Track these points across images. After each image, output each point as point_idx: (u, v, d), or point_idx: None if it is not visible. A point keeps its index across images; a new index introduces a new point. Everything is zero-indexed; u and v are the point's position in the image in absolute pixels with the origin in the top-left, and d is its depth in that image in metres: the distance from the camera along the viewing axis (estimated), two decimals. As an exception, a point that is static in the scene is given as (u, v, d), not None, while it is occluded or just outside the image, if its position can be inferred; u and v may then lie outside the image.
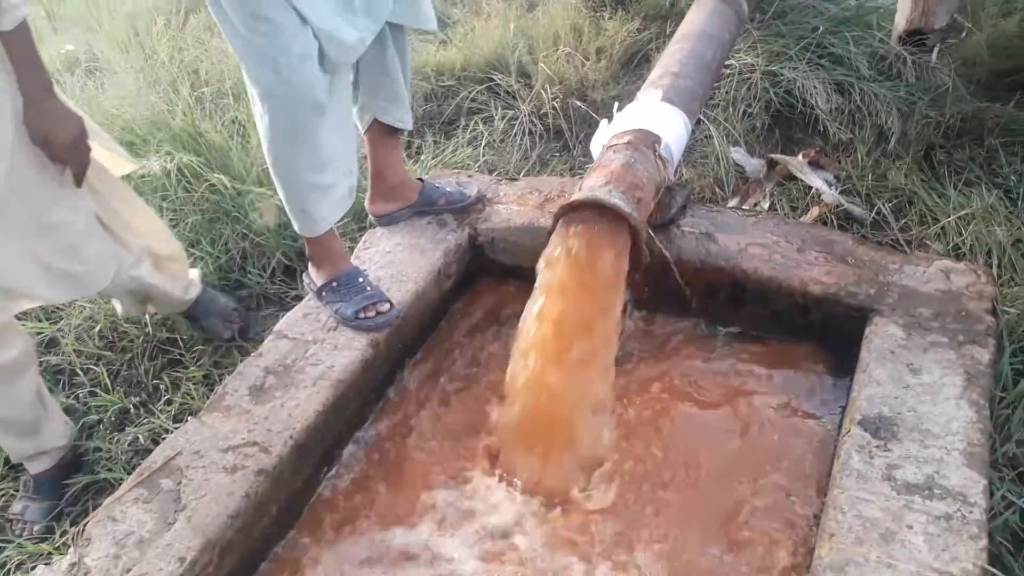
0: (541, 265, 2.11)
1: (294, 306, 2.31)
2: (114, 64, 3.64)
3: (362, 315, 2.16)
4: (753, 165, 2.92)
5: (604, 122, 2.44)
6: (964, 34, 3.31)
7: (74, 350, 2.48)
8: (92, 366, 2.46)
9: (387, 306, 2.18)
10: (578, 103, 3.30)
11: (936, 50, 3.15)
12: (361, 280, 2.22)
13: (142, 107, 3.22)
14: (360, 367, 2.07)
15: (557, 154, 3.21)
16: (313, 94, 1.94)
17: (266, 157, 2.08)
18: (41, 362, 2.47)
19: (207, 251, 2.74)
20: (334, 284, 2.21)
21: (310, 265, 2.29)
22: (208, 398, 2.04)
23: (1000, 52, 3.12)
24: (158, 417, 2.27)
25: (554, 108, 3.28)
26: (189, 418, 1.98)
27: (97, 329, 2.53)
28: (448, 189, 2.60)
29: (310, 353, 2.09)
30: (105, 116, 3.24)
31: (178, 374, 2.42)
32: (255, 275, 2.72)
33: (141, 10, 4.38)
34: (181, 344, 2.50)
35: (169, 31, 4.03)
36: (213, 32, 4.02)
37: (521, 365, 2.06)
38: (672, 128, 2.34)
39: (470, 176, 2.74)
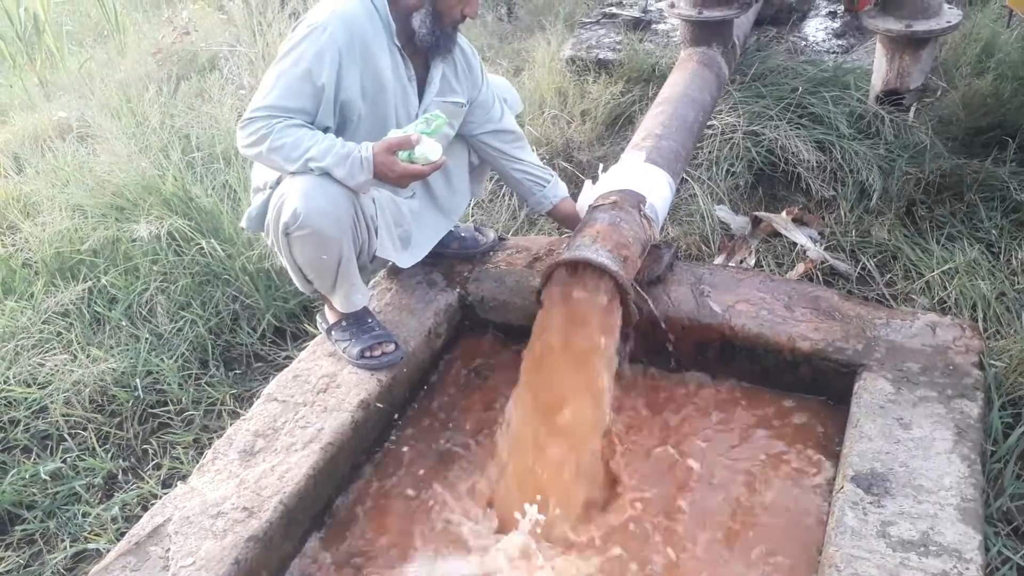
0: (533, 324, 2.13)
1: (285, 367, 2.30)
2: (106, 130, 3.68)
3: (367, 354, 2.21)
4: (738, 222, 2.97)
5: (588, 182, 2.48)
6: (939, 93, 3.40)
7: (62, 415, 2.46)
8: (80, 431, 2.44)
9: (392, 347, 2.24)
10: (564, 163, 3.35)
11: (913, 109, 3.23)
12: (370, 321, 2.28)
13: (133, 172, 3.25)
14: (350, 429, 2.06)
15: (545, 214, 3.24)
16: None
17: (304, 264, 2.12)
18: (28, 428, 2.45)
19: (197, 313, 2.74)
20: (343, 323, 2.27)
21: (325, 306, 2.34)
22: (197, 462, 2.02)
23: (975, 110, 3.21)
24: (147, 482, 2.25)
25: (541, 168, 3.33)
26: (178, 483, 1.96)
27: (86, 393, 2.52)
28: (463, 234, 2.65)
29: (300, 416, 2.08)
30: (96, 181, 3.27)
31: (167, 438, 2.41)
32: (246, 336, 2.71)
33: (133, 78, 4.44)
34: (171, 407, 2.49)
35: (160, 98, 4.09)
36: (204, 98, 4.09)
37: (515, 423, 2.06)
38: (656, 188, 2.38)
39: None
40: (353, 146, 2.00)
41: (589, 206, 2.35)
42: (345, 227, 2.04)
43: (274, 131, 1.97)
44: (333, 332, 2.28)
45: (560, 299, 2.14)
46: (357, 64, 2.05)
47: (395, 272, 2.57)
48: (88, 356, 2.61)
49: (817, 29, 4.20)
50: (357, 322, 2.25)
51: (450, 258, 2.61)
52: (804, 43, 4.04)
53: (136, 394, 2.52)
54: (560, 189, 2.54)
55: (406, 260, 2.39)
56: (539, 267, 2.52)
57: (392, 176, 2.02)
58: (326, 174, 1.98)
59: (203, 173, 3.36)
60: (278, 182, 2.08)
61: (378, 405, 2.15)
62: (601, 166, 2.56)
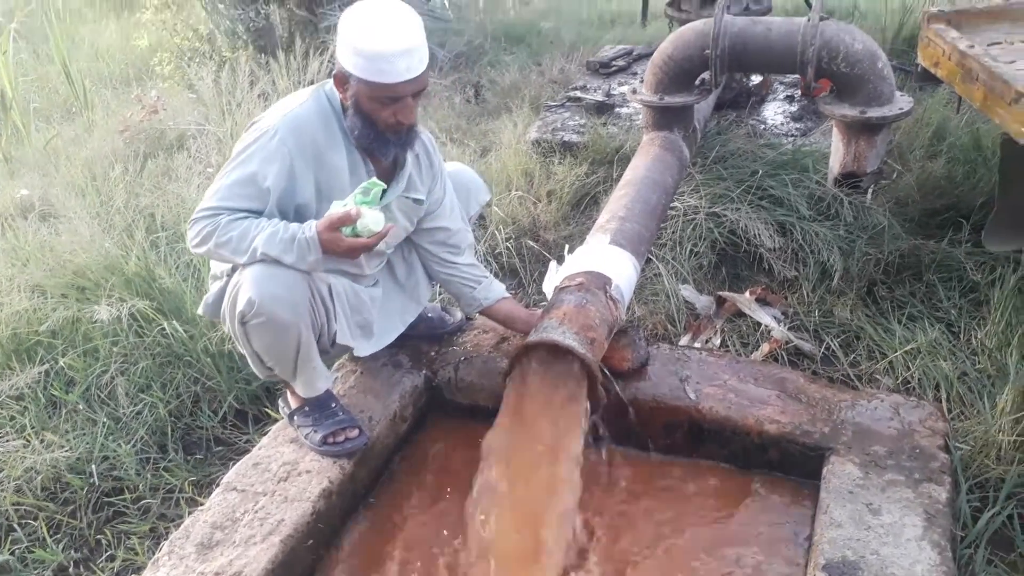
0: (499, 413, 2.11)
1: (246, 451, 2.25)
2: (69, 209, 3.64)
3: (330, 440, 2.16)
4: (702, 302, 2.99)
5: (553, 264, 2.49)
6: (895, 176, 3.49)
7: (12, 504, 2.37)
8: (31, 520, 2.35)
9: (356, 432, 2.19)
10: (531, 243, 3.38)
11: (870, 191, 3.31)
12: (333, 405, 2.23)
13: (96, 252, 3.21)
14: (311, 520, 2.00)
15: (512, 292, 3.25)
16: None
17: (263, 351, 2.10)
18: (-26, 518, 2.35)
19: (158, 396, 2.68)
20: (305, 408, 2.22)
21: (287, 390, 2.29)
22: (153, 553, 1.95)
23: (930, 192, 3.31)
24: (99, 575, 2.16)
25: (508, 248, 3.35)
26: (131, 577, 1.89)
27: (39, 480, 2.43)
28: (429, 314, 2.64)
29: (260, 506, 2.02)
30: (57, 261, 3.22)
31: (123, 527, 2.32)
32: (206, 419, 2.65)
33: (99, 155, 4.42)
34: (127, 495, 2.41)
35: (127, 176, 4.06)
36: (170, 177, 4.07)
37: (484, 509, 2.03)
38: (621, 269, 2.41)
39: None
40: (296, 228, 1.98)
41: (555, 288, 2.36)
42: (301, 311, 2.03)
43: (219, 227, 1.99)
44: (295, 417, 2.24)
45: (527, 382, 2.12)
46: (311, 167, 2.06)
47: (361, 354, 2.54)
48: (42, 441, 2.53)
49: (776, 112, 4.33)
50: (320, 407, 2.21)
51: (416, 339, 2.59)
52: (763, 126, 4.15)
53: (91, 481, 2.44)
54: (494, 291, 2.45)
55: (365, 349, 2.35)
56: (506, 348, 2.51)
57: (339, 251, 2.01)
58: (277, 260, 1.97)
59: (167, 253, 3.33)
60: (234, 269, 2.07)
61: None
62: (567, 247, 2.58)
